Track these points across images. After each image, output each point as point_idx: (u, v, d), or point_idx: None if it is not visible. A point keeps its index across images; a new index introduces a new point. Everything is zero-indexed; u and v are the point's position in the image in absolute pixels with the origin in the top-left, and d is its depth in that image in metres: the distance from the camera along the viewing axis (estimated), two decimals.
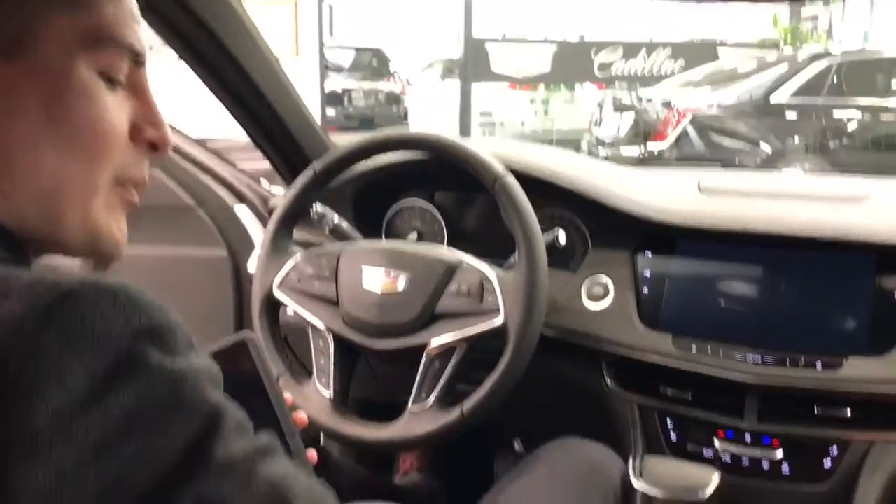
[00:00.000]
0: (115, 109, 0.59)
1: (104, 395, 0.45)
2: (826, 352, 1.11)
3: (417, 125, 9.86)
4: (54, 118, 0.55)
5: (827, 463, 1.12)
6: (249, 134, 1.43)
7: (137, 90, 0.61)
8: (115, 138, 0.59)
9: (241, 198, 1.69)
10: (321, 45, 7.17)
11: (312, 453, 0.78)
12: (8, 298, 0.47)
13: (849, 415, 1.10)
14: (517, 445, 1.79)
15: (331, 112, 9.51)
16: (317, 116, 6.69)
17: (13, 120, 0.55)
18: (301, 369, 1.34)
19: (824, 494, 1.12)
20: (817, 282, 1.17)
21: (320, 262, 1.23)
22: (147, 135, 0.62)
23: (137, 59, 0.61)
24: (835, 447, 1.11)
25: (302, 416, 0.90)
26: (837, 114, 5.89)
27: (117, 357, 0.46)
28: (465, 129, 8.28)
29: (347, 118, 10.00)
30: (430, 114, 9.87)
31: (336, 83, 9.96)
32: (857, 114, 5.90)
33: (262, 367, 0.71)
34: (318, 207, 1.33)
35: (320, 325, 1.20)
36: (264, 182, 1.77)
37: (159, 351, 0.48)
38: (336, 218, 1.33)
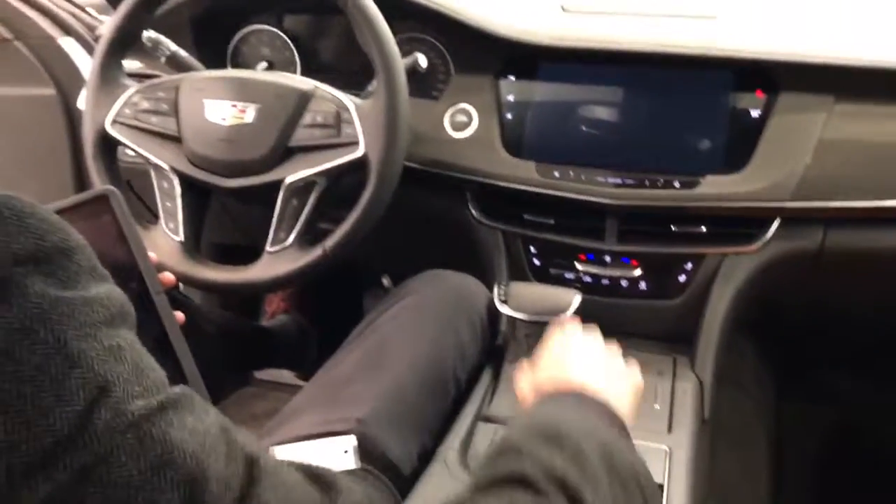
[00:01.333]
0: None
1: None
2: (684, 171, 1.12)
3: None
4: None
5: (682, 278, 1.16)
6: None
7: None
8: None
9: (67, 29, 1.51)
10: None
11: (180, 315, 0.74)
12: None
13: (703, 231, 1.14)
14: (386, 281, 1.79)
15: None
16: None
17: None
18: (149, 215, 1.25)
19: (679, 307, 1.17)
20: (677, 101, 1.16)
21: (157, 95, 1.11)
22: None
23: None
24: (689, 263, 1.15)
25: (168, 277, 0.85)
26: None
27: None
28: None
29: None
30: None
31: None
32: None
33: (124, 222, 0.67)
34: (150, 34, 1.19)
35: (163, 164, 1.10)
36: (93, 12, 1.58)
37: (44, 279, 0.39)
38: (172, 46, 1.21)
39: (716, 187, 1.10)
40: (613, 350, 0.78)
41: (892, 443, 1.63)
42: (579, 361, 0.72)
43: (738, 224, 1.13)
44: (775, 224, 1.11)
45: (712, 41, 1.15)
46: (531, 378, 0.73)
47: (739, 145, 1.11)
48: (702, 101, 1.15)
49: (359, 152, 1.05)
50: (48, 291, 0.39)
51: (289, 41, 1.37)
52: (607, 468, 0.55)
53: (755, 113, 1.12)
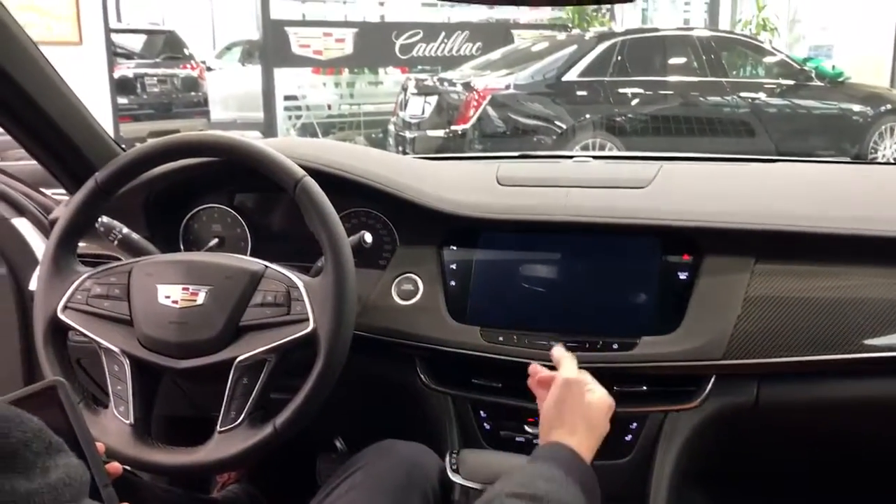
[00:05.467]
0: None
1: None
2: (621, 333, 1.18)
3: (218, 112, 9.48)
4: None
5: (628, 437, 1.19)
6: (22, 144, 1.29)
7: None
8: None
9: (20, 210, 1.55)
10: (107, 29, 6.66)
11: None
12: None
13: (644, 390, 1.18)
14: (339, 444, 1.78)
15: (123, 100, 8.93)
16: (107, 106, 6.13)
17: None
18: (101, 393, 1.25)
19: (626, 467, 1.19)
20: (611, 265, 1.23)
21: (109, 280, 1.14)
22: None
23: None
24: (634, 422, 1.19)
25: (116, 466, 0.86)
26: (622, 90, 6.30)
27: None
28: (269, 116, 8.05)
29: (141, 106, 9.42)
30: (232, 100, 9.51)
31: (127, 69, 9.35)
32: (639, 90, 6.34)
33: (72, 414, 0.69)
34: (103, 219, 1.23)
35: (114, 348, 1.11)
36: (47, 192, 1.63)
37: (12, 476, 0.45)
38: (124, 230, 1.25)
39: (652, 348, 1.16)
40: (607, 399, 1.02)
41: None
42: (567, 421, 0.97)
43: (677, 382, 1.18)
44: (711, 381, 1.16)
45: (640, 210, 1.23)
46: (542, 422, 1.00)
47: (671, 307, 1.18)
48: (634, 266, 1.22)
49: (308, 328, 1.08)
50: (17, 487, 0.44)
51: (239, 218, 1.42)
52: None
53: (683, 275, 1.19)
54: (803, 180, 1.44)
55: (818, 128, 6.54)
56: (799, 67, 6.76)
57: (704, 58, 6.58)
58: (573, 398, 0.99)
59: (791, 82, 6.60)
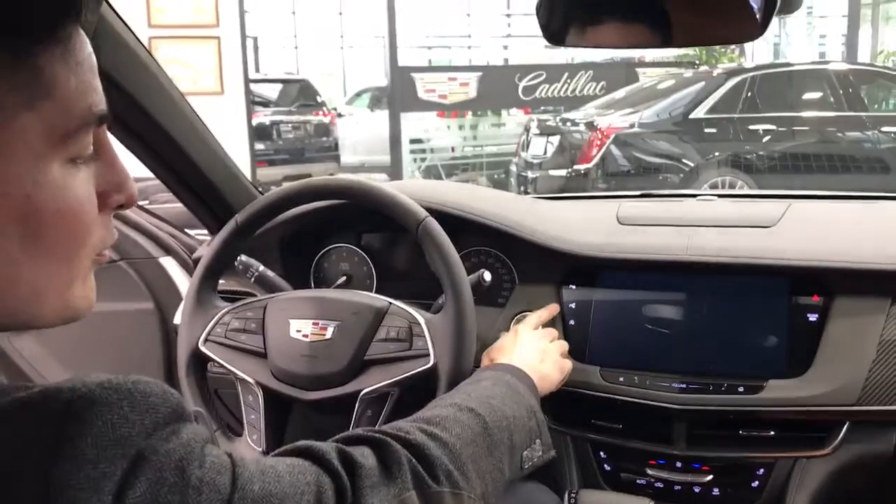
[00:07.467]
0: (86, 191, 0.54)
1: (128, 491, 0.48)
2: (747, 375, 1.14)
3: (348, 156, 9.86)
4: (31, 233, 0.51)
5: (755, 483, 1.15)
6: (171, 188, 1.41)
7: (99, 149, 0.56)
8: (91, 225, 0.55)
9: (167, 249, 1.67)
10: (246, 80, 7.08)
11: None
12: (24, 410, 0.47)
13: (772, 435, 1.14)
14: None
15: (260, 146, 9.43)
16: (245, 152, 6.48)
17: None
18: (235, 422, 1.32)
19: None
20: (736, 306, 1.21)
21: (246, 315, 1.21)
22: (114, 200, 0.57)
23: (101, 119, 0.55)
24: (761, 468, 1.15)
25: None
26: (753, 127, 6.12)
27: (137, 454, 0.49)
28: (395, 159, 8.29)
29: (277, 151, 9.92)
30: (360, 144, 9.87)
31: (264, 117, 9.89)
32: (771, 126, 6.14)
33: None
34: (241, 258, 1.32)
35: (249, 378, 1.18)
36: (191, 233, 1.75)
37: (164, 441, 0.51)
38: (261, 267, 1.33)
39: (780, 392, 1.12)
40: (547, 338, 1.16)
41: None
42: (517, 349, 1.10)
43: (808, 428, 1.13)
44: (845, 427, 1.11)
45: (767, 249, 1.20)
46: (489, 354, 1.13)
47: (800, 349, 1.14)
48: (760, 307, 1.19)
49: (429, 363, 1.11)
50: (165, 445, 0.51)
51: (366, 257, 1.48)
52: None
53: (813, 317, 1.15)
54: None
55: None
56: None
57: (841, 92, 6.30)
58: (519, 337, 1.12)
59: None
